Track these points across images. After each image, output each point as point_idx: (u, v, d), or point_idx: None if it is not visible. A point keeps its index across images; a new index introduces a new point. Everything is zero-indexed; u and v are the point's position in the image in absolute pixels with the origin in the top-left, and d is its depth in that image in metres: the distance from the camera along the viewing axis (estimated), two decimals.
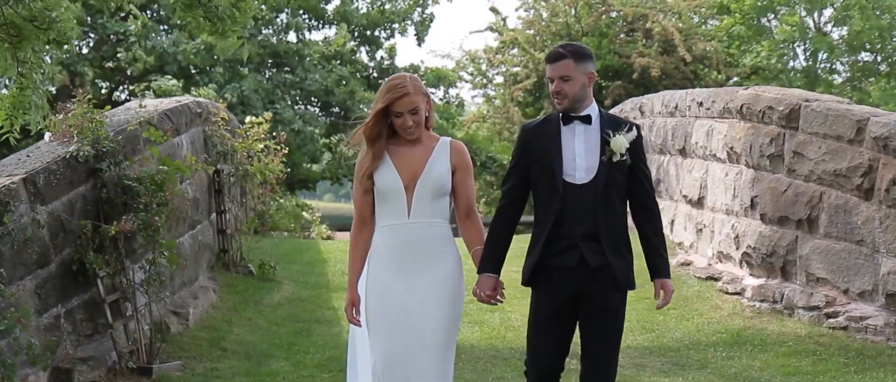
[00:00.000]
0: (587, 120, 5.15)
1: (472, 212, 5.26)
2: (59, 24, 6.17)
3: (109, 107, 9.39)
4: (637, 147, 5.13)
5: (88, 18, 24.53)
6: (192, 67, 25.36)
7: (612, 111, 11.88)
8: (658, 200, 5.43)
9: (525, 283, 5.19)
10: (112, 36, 25.16)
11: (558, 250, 5.04)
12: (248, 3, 6.76)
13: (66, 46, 6.41)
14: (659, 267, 5.16)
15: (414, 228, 5.14)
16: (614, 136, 5.08)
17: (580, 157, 5.09)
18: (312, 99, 27.44)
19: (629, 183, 5.13)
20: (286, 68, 26.74)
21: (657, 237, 5.17)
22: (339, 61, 27.53)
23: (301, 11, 27.74)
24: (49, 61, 7.10)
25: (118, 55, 24.89)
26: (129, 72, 24.43)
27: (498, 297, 5.22)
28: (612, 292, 5.07)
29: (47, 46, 6.27)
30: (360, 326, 5.26)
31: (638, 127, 5.21)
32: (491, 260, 5.20)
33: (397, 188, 5.14)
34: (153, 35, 24.80)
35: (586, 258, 5.02)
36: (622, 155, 5.06)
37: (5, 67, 5.93)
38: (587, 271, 5.03)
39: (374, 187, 5.20)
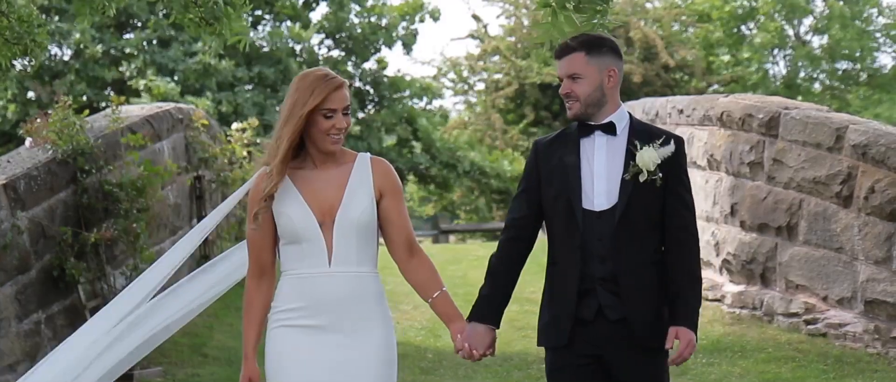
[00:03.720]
0: (610, 129, 4.05)
1: (415, 247, 4.01)
2: (31, 39, 6.27)
3: (88, 112, 9.38)
4: (674, 165, 4.00)
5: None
6: (191, 82, 25.43)
7: None
8: None
9: (547, 344, 4.09)
10: (104, 53, 25.16)
11: (576, 297, 3.97)
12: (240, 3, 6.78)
13: (31, 61, 6.50)
14: (679, 313, 4.10)
15: (339, 280, 3.89)
16: (642, 148, 3.97)
17: (599, 177, 3.98)
18: None
19: (663, 209, 4.02)
20: (271, 88, 26.80)
21: (687, 279, 4.11)
22: None
23: (286, 18, 27.69)
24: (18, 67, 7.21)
25: (121, 69, 24.93)
26: (139, 90, 24.38)
27: (490, 353, 4.09)
28: (637, 355, 3.99)
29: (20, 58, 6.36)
30: None
31: (678, 140, 4.07)
32: (491, 309, 4.06)
33: (310, 227, 3.88)
34: (155, 51, 24.85)
35: (603, 309, 3.96)
36: (651, 173, 3.94)
37: None
38: (607, 326, 3.96)
39: (275, 225, 3.95)
